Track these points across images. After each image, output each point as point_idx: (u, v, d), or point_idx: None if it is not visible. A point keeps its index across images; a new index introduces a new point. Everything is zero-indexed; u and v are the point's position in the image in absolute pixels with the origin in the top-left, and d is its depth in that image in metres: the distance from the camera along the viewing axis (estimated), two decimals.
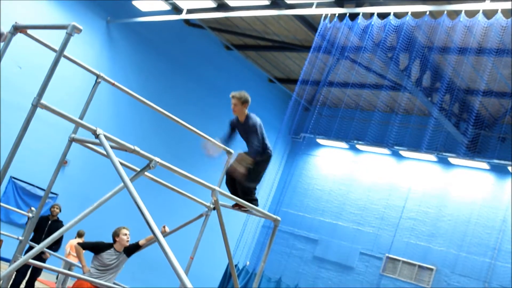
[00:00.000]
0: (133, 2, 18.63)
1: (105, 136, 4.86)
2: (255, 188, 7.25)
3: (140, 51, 19.94)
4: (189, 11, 17.36)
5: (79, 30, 5.02)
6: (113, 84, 6.89)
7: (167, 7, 18.30)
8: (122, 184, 4.64)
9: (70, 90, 17.30)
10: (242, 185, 7.07)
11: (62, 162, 6.82)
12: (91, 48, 18.50)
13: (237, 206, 7.09)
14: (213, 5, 16.64)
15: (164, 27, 19.54)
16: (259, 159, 7.04)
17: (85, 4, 18.29)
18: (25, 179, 17.42)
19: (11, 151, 4.70)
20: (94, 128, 4.90)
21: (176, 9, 18.23)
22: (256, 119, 7.18)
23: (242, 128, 7.22)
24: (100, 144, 5.00)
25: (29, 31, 6.23)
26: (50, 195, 16.15)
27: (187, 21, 20.23)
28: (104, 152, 5.88)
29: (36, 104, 4.67)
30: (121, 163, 5.19)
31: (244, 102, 7.13)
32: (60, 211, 12.96)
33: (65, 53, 5.25)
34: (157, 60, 20.38)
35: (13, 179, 17.17)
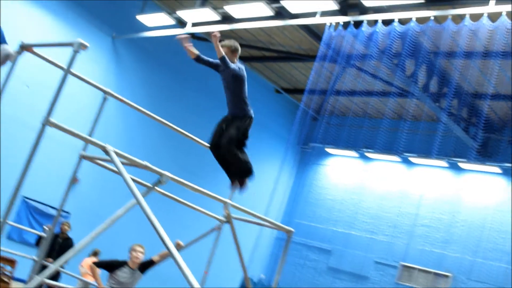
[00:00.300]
0: (138, 17, 18.70)
1: (115, 152, 4.84)
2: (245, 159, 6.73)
3: (146, 66, 19.99)
4: (194, 24, 17.40)
5: (85, 47, 5.02)
6: (121, 100, 6.88)
7: (171, 21, 18.35)
8: (134, 200, 4.62)
9: (77, 106, 17.33)
10: (230, 153, 6.54)
11: (73, 180, 6.81)
12: (97, 64, 18.56)
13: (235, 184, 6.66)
14: (217, 17, 16.68)
15: (169, 41, 19.47)
16: (239, 120, 6.65)
17: (90, 21, 18.37)
18: (36, 198, 17.43)
19: (23, 171, 4.68)
20: (103, 144, 4.88)
21: (181, 23, 18.29)
22: (243, 69, 6.78)
23: (226, 73, 6.72)
24: (110, 161, 4.97)
25: (35, 49, 6.25)
26: (62, 213, 16.14)
27: (192, 34, 20.27)
28: (114, 168, 5.86)
29: (46, 123, 4.66)
30: (131, 179, 5.16)
31: (234, 50, 6.78)
32: (69, 228, 12.99)
33: (72, 70, 5.24)
34: (163, 74, 20.42)
35: (25, 199, 17.18)
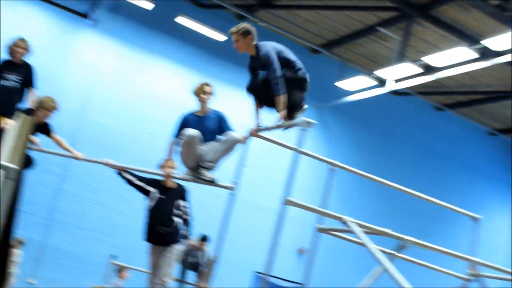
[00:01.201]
0: (337, 84, 19.03)
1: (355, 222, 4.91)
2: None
3: (354, 130, 20.11)
4: (396, 81, 17.27)
5: (311, 125, 5.25)
6: (350, 171, 6.94)
7: (372, 81, 18.43)
8: (380, 267, 4.61)
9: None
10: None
11: (309, 252, 6.99)
12: (307, 136, 19.05)
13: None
14: (418, 70, 16.42)
15: (373, 102, 19.57)
16: (289, 75, 5.95)
17: None
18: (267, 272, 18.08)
19: (270, 250, 4.93)
20: (341, 216, 4.99)
21: (381, 82, 18.31)
22: (268, 46, 5.90)
23: (259, 63, 5.97)
24: (347, 231, 5.05)
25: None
26: (296, 285, 16.45)
27: (395, 91, 20.14)
28: (351, 238, 5.93)
29: (285, 202, 4.91)
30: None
31: (244, 33, 5.90)
32: None
33: (289, 144, 5.43)
34: (372, 135, 20.39)
35: (257, 274, 17.85)
